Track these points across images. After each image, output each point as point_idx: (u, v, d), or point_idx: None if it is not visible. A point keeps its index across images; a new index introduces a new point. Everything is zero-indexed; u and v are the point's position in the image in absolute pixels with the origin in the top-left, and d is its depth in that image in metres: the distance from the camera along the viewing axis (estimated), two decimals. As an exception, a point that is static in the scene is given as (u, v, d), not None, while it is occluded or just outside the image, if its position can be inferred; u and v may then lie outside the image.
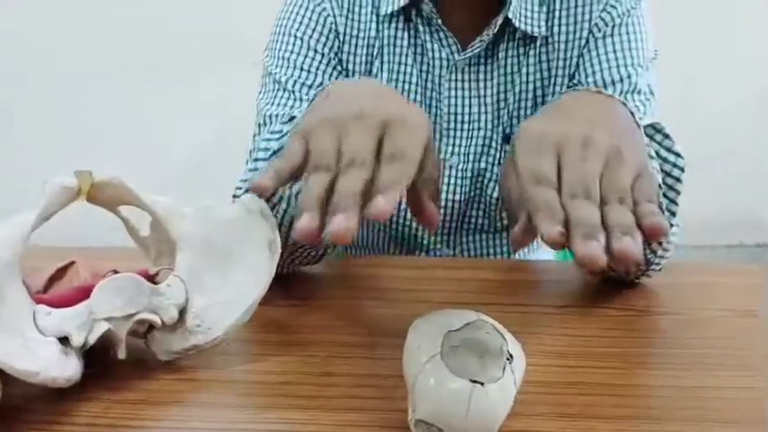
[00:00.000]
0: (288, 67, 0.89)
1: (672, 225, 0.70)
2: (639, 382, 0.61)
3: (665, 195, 0.68)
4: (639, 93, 0.86)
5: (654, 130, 0.69)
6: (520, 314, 0.67)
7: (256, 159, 0.76)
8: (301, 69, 0.88)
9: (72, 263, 0.71)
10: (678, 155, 0.69)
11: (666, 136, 0.69)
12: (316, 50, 0.89)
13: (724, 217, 2.46)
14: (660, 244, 0.72)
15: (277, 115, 0.87)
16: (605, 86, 0.87)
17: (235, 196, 0.81)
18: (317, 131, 0.54)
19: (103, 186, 0.64)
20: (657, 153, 0.68)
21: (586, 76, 0.88)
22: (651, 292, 0.78)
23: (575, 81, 0.89)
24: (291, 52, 0.89)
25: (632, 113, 0.60)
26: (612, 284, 0.77)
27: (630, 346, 0.67)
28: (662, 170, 0.68)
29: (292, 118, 0.75)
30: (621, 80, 0.86)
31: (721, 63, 2.36)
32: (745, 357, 0.64)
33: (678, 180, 0.69)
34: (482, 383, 0.48)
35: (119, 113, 2.43)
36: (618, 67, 0.87)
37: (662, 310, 0.75)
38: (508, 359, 0.51)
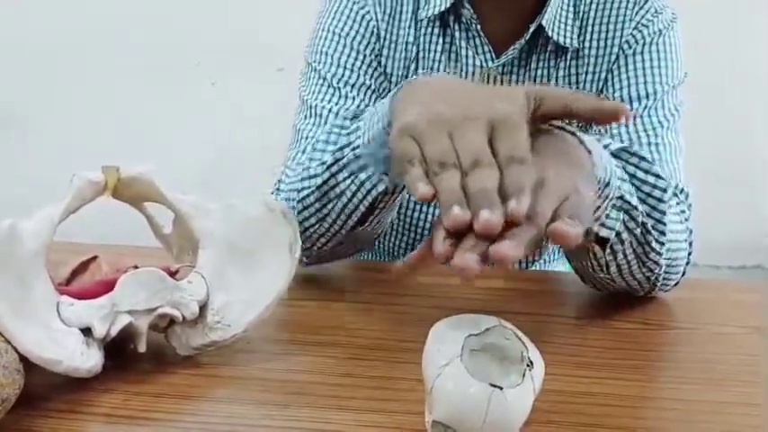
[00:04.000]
0: (331, 64, 0.90)
1: (662, 243, 0.71)
2: (653, 395, 0.62)
3: (648, 216, 0.69)
4: (663, 108, 0.87)
5: (628, 154, 0.70)
6: (537, 323, 0.67)
7: (315, 149, 0.74)
8: (344, 68, 0.90)
9: (94, 257, 0.71)
10: (658, 176, 0.70)
11: (642, 158, 0.70)
12: (358, 51, 0.90)
13: (744, 238, 2.45)
14: (657, 264, 0.73)
15: (326, 108, 0.88)
16: (630, 101, 0.87)
17: (278, 189, 0.81)
18: (427, 130, 0.53)
19: (129, 182, 0.65)
20: (634, 175, 0.69)
21: (614, 91, 0.89)
22: (666, 306, 0.78)
23: (602, 96, 0.89)
24: (335, 50, 0.90)
25: (582, 142, 0.59)
26: (628, 298, 0.77)
27: (645, 359, 0.68)
28: (641, 191, 0.69)
29: (356, 116, 0.74)
30: (647, 96, 0.87)
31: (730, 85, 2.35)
32: (758, 373, 0.64)
33: (660, 200, 0.70)
34: (501, 388, 0.49)
35: (135, 117, 2.44)
36: (645, 83, 0.88)
37: (676, 325, 0.75)
38: (528, 366, 0.51)
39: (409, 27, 0.91)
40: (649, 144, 0.85)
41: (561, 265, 1.06)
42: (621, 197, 0.66)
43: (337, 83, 0.89)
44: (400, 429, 0.55)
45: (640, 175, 0.69)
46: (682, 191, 0.84)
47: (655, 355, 0.69)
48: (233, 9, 2.41)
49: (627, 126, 0.86)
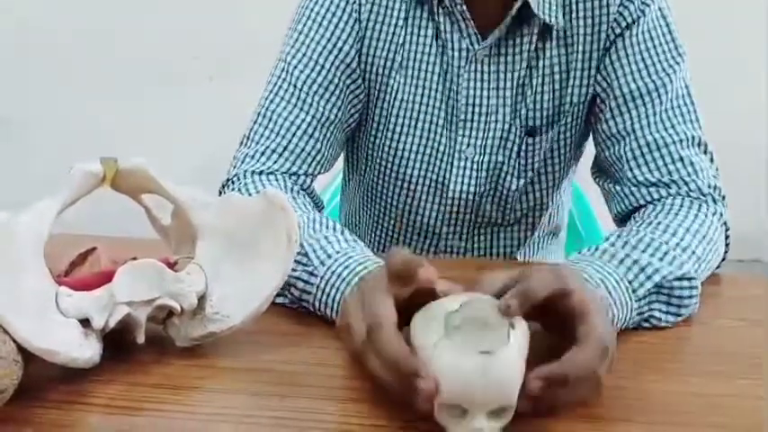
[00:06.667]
0: (304, 54, 0.89)
1: (679, 316, 0.73)
2: (653, 388, 0.62)
3: (676, 315, 0.73)
4: (678, 98, 0.86)
5: (658, 295, 0.71)
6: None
7: None
8: (315, 62, 0.89)
9: (93, 249, 0.72)
10: (691, 281, 0.72)
11: (673, 297, 0.72)
12: (334, 44, 0.89)
13: (744, 232, 2.45)
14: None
15: (281, 116, 0.88)
16: (641, 96, 0.86)
17: (225, 188, 0.88)
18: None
19: (127, 174, 0.65)
20: (667, 303, 0.72)
21: (618, 86, 0.87)
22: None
23: (605, 85, 0.88)
24: (312, 39, 0.90)
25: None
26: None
27: (644, 352, 0.68)
28: (669, 314, 0.72)
29: (312, 273, 0.73)
30: (656, 88, 0.85)
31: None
32: (760, 367, 0.64)
33: (690, 298, 0.72)
34: (491, 353, 0.50)
35: (133, 113, 2.44)
36: (649, 74, 0.86)
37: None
38: (511, 325, 0.52)
39: (398, 10, 0.90)
40: (674, 143, 0.84)
41: (556, 255, 1.06)
42: (648, 320, 0.71)
43: (302, 84, 0.88)
44: (397, 420, 0.55)
45: (671, 307, 0.72)
46: (715, 187, 0.84)
47: (654, 348, 0.69)
48: (231, 4, 2.41)
49: (642, 130, 0.85)
